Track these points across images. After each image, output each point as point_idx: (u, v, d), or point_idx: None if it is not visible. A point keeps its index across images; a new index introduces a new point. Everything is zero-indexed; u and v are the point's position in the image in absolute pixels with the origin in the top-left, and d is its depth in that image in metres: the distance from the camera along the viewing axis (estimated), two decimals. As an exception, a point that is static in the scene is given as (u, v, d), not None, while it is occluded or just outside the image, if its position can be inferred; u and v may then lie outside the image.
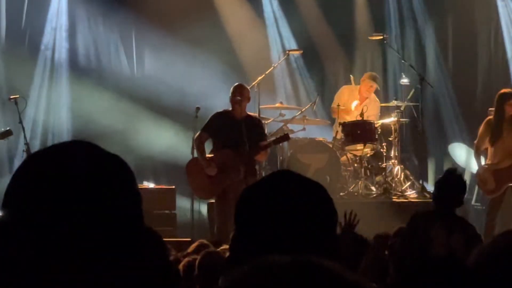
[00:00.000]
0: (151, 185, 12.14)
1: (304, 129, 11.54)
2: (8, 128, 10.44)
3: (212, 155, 10.01)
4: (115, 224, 1.46)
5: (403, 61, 12.80)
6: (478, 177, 10.12)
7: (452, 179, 6.29)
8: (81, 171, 1.48)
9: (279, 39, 14.11)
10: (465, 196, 6.41)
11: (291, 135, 11.05)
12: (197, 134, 10.07)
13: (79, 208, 1.45)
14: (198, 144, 10.00)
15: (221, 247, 6.47)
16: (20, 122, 10.38)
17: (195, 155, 10.11)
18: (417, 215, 6.25)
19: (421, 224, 6.05)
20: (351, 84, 12.04)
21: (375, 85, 11.73)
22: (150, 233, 1.47)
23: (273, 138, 10.26)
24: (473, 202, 11.72)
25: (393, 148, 11.32)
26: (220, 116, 10.02)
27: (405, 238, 6.07)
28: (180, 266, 5.55)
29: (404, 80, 11.90)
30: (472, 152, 10.83)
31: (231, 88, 10.09)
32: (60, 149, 1.54)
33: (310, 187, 2.16)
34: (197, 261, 5.46)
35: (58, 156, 1.51)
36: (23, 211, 1.46)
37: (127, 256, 1.47)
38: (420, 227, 6.01)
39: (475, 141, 10.18)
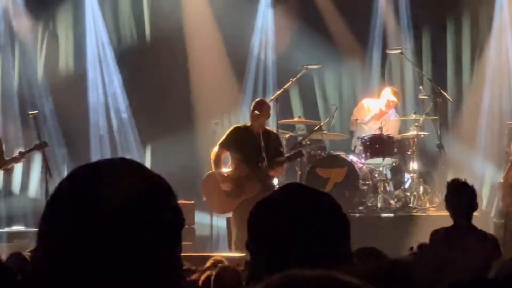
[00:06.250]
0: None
1: (323, 145, 11.49)
2: (43, 141, 10.06)
3: (230, 169, 10.03)
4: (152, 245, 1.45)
5: (421, 74, 12.74)
6: (498, 190, 10.08)
7: (458, 189, 6.23)
8: (125, 189, 1.47)
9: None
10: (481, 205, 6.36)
11: (309, 149, 11.04)
12: (215, 148, 10.08)
13: (117, 228, 1.46)
14: (215, 159, 10.01)
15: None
16: (39, 138, 9.99)
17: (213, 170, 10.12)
18: (437, 232, 6.19)
19: (441, 241, 5.99)
20: (371, 98, 12.00)
21: (395, 101, 11.66)
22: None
23: (287, 155, 10.24)
24: (492, 215, 11.61)
25: (412, 162, 11.27)
26: (238, 131, 10.04)
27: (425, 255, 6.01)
28: (200, 282, 5.56)
29: (423, 94, 11.84)
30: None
31: (252, 103, 10.19)
32: (105, 166, 1.54)
33: (320, 199, 2.16)
34: (212, 276, 5.48)
35: (102, 174, 1.51)
36: (63, 227, 1.48)
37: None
38: (441, 244, 5.95)
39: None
